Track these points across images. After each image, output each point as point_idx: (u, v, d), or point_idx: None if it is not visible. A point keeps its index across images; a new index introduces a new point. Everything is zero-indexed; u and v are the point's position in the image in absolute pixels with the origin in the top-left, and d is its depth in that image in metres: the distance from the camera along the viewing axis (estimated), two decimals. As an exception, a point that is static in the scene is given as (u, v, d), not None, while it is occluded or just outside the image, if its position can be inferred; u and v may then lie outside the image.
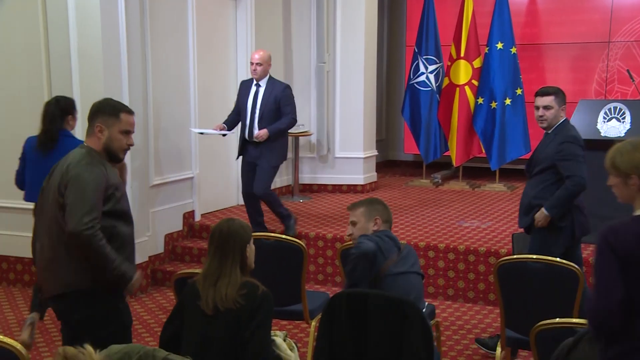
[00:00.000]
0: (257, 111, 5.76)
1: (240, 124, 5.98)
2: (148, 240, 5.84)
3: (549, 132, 4.29)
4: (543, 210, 4.17)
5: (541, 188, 4.23)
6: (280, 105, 5.77)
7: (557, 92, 4.28)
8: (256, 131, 5.75)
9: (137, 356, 2.08)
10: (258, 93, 5.80)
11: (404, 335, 2.81)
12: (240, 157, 6.07)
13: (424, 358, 2.79)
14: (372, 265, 3.20)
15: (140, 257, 5.70)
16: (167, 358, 2.09)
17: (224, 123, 5.94)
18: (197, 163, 6.55)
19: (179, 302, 2.95)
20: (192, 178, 6.54)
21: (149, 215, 5.92)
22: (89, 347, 1.64)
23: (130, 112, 3.09)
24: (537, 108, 4.29)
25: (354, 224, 3.41)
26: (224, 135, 6.06)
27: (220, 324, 2.74)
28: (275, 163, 5.87)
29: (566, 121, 4.30)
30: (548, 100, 4.26)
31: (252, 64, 5.81)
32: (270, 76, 5.89)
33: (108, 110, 3.01)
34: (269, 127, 5.71)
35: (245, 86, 5.93)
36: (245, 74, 7.23)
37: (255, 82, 5.84)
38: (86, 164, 2.92)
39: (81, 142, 4.43)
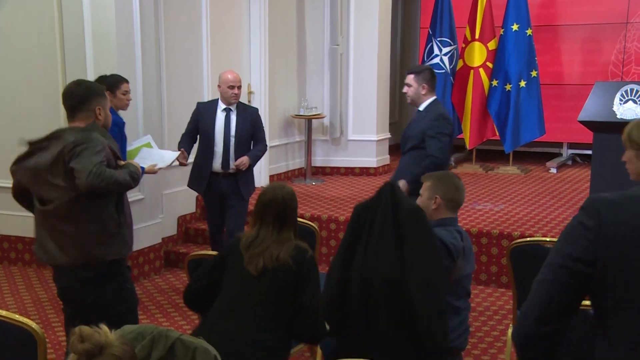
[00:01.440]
0: (232, 139, 4.97)
1: (194, 152, 5.19)
2: (161, 222, 5.88)
3: (421, 109, 4.53)
4: (404, 182, 4.31)
5: (417, 164, 4.36)
6: (254, 131, 5.08)
7: (420, 72, 4.54)
8: (232, 160, 4.97)
9: (151, 336, 2.09)
10: (230, 118, 5.00)
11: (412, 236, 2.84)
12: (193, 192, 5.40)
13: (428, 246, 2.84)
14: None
15: (153, 239, 5.76)
16: (180, 338, 2.11)
17: (182, 148, 5.06)
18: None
19: (219, 260, 2.95)
20: (205, 160, 6.56)
21: (162, 197, 5.95)
22: (104, 327, 1.65)
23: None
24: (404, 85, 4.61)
25: (421, 195, 3.36)
26: (180, 163, 5.03)
27: (266, 282, 2.79)
28: (248, 196, 5.13)
29: (436, 100, 4.59)
30: (409, 78, 4.55)
31: (232, 87, 4.95)
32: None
33: (100, 92, 3.08)
34: (248, 155, 5.00)
35: (207, 110, 5.06)
36: (259, 56, 7.22)
37: (224, 106, 5.02)
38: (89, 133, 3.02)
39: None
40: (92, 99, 3.02)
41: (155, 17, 5.69)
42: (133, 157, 4.51)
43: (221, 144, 5.00)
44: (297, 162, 8.04)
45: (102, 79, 4.55)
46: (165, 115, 5.99)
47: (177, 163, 4.95)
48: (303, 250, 2.85)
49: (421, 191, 3.34)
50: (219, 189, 5.03)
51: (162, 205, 5.95)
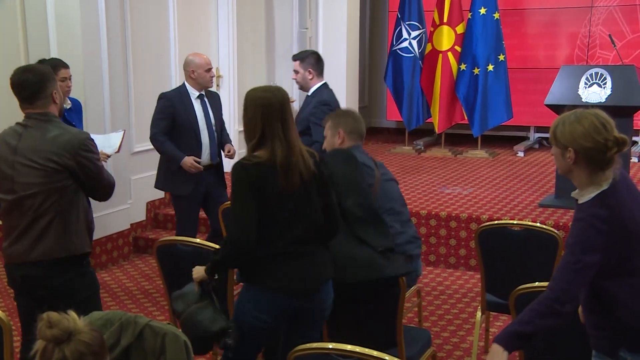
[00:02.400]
0: (214, 128, 4.64)
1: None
2: (130, 208, 5.82)
3: (309, 94, 4.63)
4: None
5: None
6: (221, 116, 4.80)
7: (304, 58, 4.64)
8: (215, 151, 4.65)
9: (119, 322, 2.08)
10: (206, 106, 4.66)
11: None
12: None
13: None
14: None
15: (121, 225, 5.70)
16: (149, 324, 2.10)
17: (175, 152, 4.55)
18: (179, 130, 6.50)
19: (248, 192, 2.61)
20: (173, 145, 6.49)
21: (130, 183, 5.89)
22: (72, 313, 1.64)
23: None
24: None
25: (325, 136, 3.53)
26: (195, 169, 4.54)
27: (305, 196, 2.68)
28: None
29: (324, 85, 4.65)
30: (295, 65, 4.65)
31: (209, 70, 4.61)
32: None
33: (51, 75, 3.00)
34: (228, 141, 4.75)
35: (182, 100, 4.59)
36: (227, 40, 7.15)
37: (197, 92, 4.63)
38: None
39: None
40: (48, 85, 2.93)
41: (120, 0, 5.60)
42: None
43: (206, 134, 4.61)
44: (266, 146, 8.01)
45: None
46: (132, 97, 5.90)
47: (192, 164, 4.52)
48: (311, 152, 2.78)
49: (325, 132, 3.52)
50: (205, 184, 4.62)
51: (130, 190, 5.89)
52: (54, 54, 5.10)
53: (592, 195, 2.25)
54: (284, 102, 2.68)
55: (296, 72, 4.65)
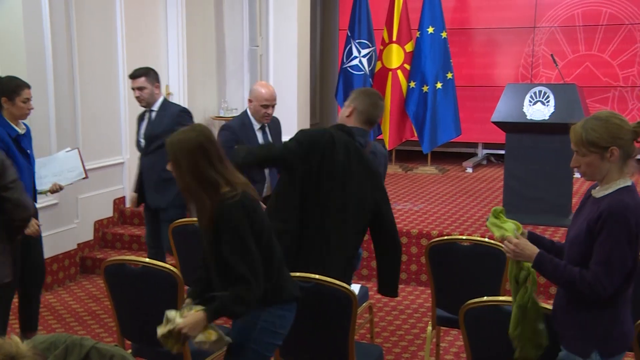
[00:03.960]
0: None
1: None
2: (77, 227, 5.69)
3: (155, 109, 4.62)
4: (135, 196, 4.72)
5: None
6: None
7: (148, 72, 4.61)
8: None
9: (64, 345, 2.02)
10: (267, 136, 4.56)
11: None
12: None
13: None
14: None
15: (67, 245, 5.57)
16: (95, 346, 2.05)
17: None
18: (128, 148, 6.40)
19: (250, 230, 2.56)
20: (122, 163, 6.40)
21: (77, 202, 5.76)
22: (14, 337, 1.60)
23: None
24: (133, 89, 4.61)
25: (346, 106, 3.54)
26: None
27: None
28: None
29: (165, 98, 4.73)
30: (140, 81, 4.57)
31: (266, 106, 4.38)
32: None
33: None
34: None
35: (245, 131, 4.42)
36: (177, 57, 7.10)
37: (259, 125, 4.47)
38: None
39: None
40: None
41: (66, 15, 5.50)
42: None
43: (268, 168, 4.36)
44: (217, 164, 7.95)
45: None
46: (79, 115, 5.79)
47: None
48: None
49: (346, 102, 3.55)
50: None
51: (77, 210, 5.76)
52: (-3, 70, 4.97)
53: (618, 187, 2.32)
54: (212, 135, 2.66)
55: (142, 88, 4.55)
